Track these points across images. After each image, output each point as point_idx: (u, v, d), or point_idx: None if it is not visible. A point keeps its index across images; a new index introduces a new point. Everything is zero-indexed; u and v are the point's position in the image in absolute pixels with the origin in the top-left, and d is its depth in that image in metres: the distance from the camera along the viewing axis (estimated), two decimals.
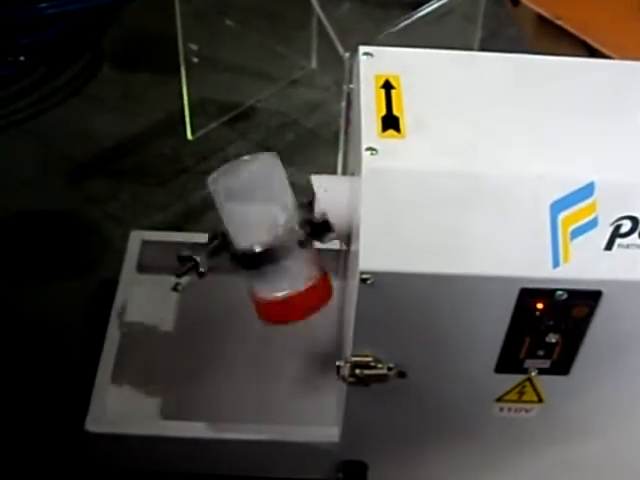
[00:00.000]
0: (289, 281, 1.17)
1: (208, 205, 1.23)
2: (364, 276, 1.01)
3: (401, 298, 1.05)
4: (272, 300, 1.18)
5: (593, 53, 2.01)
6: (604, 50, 1.94)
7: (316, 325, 1.31)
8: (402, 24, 1.45)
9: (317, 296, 1.20)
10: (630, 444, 1.29)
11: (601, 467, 1.32)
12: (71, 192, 1.81)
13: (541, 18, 2.13)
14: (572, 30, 1.97)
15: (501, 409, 1.21)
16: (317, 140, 1.94)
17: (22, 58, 2.09)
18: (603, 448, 1.29)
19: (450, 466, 1.32)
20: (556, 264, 1.03)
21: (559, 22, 2.00)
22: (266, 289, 1.18)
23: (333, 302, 1.23)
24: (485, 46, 1.90)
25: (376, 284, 1.02)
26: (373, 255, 1.01)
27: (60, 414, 1.38)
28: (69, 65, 2.13)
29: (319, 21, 1.54)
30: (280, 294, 1.17)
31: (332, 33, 1.34)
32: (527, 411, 1.22)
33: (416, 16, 1.50)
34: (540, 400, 1.20)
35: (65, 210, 1.78)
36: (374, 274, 1.01)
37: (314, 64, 2.06)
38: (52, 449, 1.35)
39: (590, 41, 1.93)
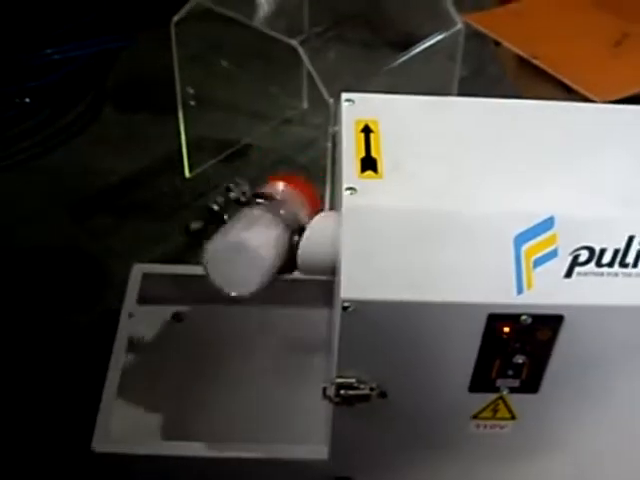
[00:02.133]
0: None
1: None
2: (345, 304, 1.11)
3: (380, 324, 1.15)
4: None
5: (570, 91, 2.11)
6: (579, 89, 2.04)
7: (307, 351, 1.41)
8: (385, 68, 1.55)
9: None
10: (596, 460, 1.38)
11: None
12: (74, 227, 1.91)
13: (521, 58, 2.24)
14: (548, 69, 2.07)
15: (477, 426, 1.30)
16: (310, 176, 2.03)
17: (27, 100, 2.20)
18: (573, 463, 1.38)
19: None
20: (520, 291, 1.13)
21: (536, 62, 2.11)
22: None
23: (322, 332, 1.33)
24: (468, 84, 2.02)
25: (356, 311, 1.12)
26: (353, 285, 1.11)
27: (67, 435, 1.47)
28: (73, 106, 2.24)
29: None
30: None
31: (318, 81, 1.45)
32: (501, 427, 1.31)
33: (398, 61, 1.61)
34: (513, 417, 1.29)
35: (69, 245, 1.88)
36: (354, 302, 1.11)
37: (305, 104, 2.17)
38: (59, 469, 1.44)
39: (566, 80, 2.03)
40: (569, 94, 2.09)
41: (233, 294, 1.30)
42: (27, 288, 1.78)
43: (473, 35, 2.39)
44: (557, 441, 1.35)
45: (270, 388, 1.52)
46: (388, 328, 1.15)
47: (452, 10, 1.74)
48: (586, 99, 2.00)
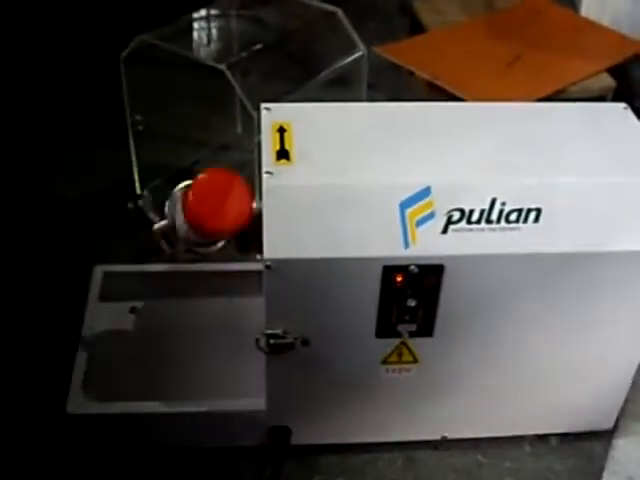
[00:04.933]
0: None
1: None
2: (268, 263, 1.39)
3: (297, 280, 1.42)
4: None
5: None
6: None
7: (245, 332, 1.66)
8: (298, 90, 1.84)
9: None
10: (493, 398, 1.64)
11: (473, 418, 1.68)
12: (42, 242, 2.17)
13: (430, 83, 2.52)
14: (447, 88, 2.37)
15: (387, 370, 1.57)
16: None
17: None
18: (472, 402, 1.64)
19: (353, 423, 1.66)
20: (407, 246, 1.41)
21: (437, 82, 2.41)
22: None
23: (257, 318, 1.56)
24: None
25: (277, 269, 1.39)
26: (273, 247, 1.39)
27: (43, 403, 1.72)
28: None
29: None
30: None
31: (242, 97, 1.74)
32: (407, 371, 1.57)
33: (310, 82, 1.89)
34: (416, 360, 1.56)
35: (38, 255, 2.14)
36: (274, 261, 1.39)
37: (240, 129, 2.46)
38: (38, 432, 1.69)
39: (463, 97, 2.33)
40: None
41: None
42: (7, 287, 2.03)
43: (389, 66, 2.72)
44: (456, 382, 1.61)
45: (214, 359, 1.77)
46: (304, 283, 1.42)
47: (356, 38, 2.05)
48: None
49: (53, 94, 2.64)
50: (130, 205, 1.57)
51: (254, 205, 1.54)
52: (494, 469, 1.69)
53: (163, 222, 1.57)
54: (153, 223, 1.58)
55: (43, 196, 2.31)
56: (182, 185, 1.57)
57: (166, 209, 1.57)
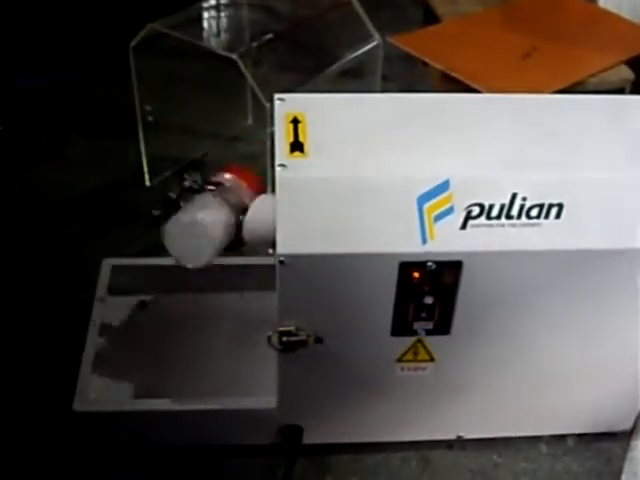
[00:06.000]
0: None
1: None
2: (281, 258, 1.35)
3: (311, 275, 1.38)
4: None
5: None
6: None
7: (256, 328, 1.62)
8: (313, 80, 1.80)
9: None
10: (510, 398, 1.61)
11: (489, 418, 1.64)
12: (51, 234, 2.13)
13: (444, 74, 2.48)
14: (464, 80, 2.33)
15: (402, 368, 1.53)
16: None
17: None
18: (488, 401, 1.61)
19: (367, 422, 1.62)
20: (424, 242, 1.37)
21: (453, 74, 2.36)
22: None
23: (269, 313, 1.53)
24: None
25: (291, 265, 1.35)
26: (287, 242, 1.35)
27: (51, 401, 1.68)
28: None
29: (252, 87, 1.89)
30: None
31: (255, 87, 1.70)
32: (423, 369, 1.54)
33: (324, 73, 1.85)
34: (432, 359, 1.52)
35: (46, 247, 2.10)
36: (288, 256, 1.35)
37: (250, 120, 2.42)
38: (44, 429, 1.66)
39: (479, 89, 2.29)
40: None
41: (189, 266, 1.53)
42: (15, 282, 2.00)
43: (402, 57, 2.68)
44: (472, 380, 1.57)
45: (224, 356, 1.74)
46: (318, 279, 1.38)
47: (371, 27, 2.00)
48: None
49: (62, 84, 2.60)
50: (155, 212, 1.55)
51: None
52: (510, 469, 1.66)
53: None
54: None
55: (51, 187, 2.28)
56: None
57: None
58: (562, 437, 1.70)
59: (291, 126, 1.47)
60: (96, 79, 2.67)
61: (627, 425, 1.70)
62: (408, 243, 1.37)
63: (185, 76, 2.33)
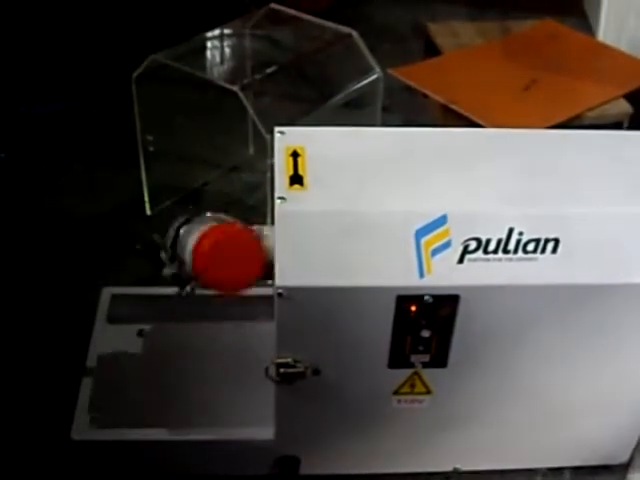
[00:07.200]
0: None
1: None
2: (279, 290, 1.36)
3: (309, 308, 1.39)
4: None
5: None
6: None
7: (253, 358, 1.62)
8: (313, 113, 1.82)
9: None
10: (507, 431, 1.61)
11: (486, 451, 1.65)
12: (51, 262, 2.14)
13: (445, 106, 2.50)
14: (464, 112, 2.35)
15: (399, 401, 1.53)
16: (258, 216, 2.26)
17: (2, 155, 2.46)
18: (485, 434, 1.61)
19: (364, 454, 1.62)
20: (422, 275, 1.38)
21: (454, 107, 2.38)
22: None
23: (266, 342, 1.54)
24: None
25: (289, 297, 1.36)
26: (285, 274, 1.36)
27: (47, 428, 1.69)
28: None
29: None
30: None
31: (255, 118, 1.72)
32: (420, 402, 1.54)
33: (325, 105, 1.87)
34: (429, 391, 1.53)
35: (46, 276, 2.11)
36: (286, 289, 1.36)
37: (251, 150, 2.43)
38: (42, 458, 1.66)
39: (480, 121, 2.31)
40: None
41: None
42: (14, 309, 2.01)
43: (403, 88, 2.70)
44: (470, 413, 1.57)
45: (222, 386, 1.74)
46: (316, 311, 1.39)
47: (371, 60, 2.02)
48: None
49: (64, 113, 2.62)
50: (138, 246, 1.55)
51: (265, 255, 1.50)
52: None
53: (170, 270, 1.55)
54: (163, 263, 1.55)
55: (52, 216, 2.29)
56: (191, 229, 1.53)
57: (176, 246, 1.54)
58: (559, 470, 1.70)
59: (291, 159, 1.48)
60: (98, 108, 2.69)
61: (624, 458, 1.70)
62: (405, 277, 1.38)
63: (187, 106, 2.35)
